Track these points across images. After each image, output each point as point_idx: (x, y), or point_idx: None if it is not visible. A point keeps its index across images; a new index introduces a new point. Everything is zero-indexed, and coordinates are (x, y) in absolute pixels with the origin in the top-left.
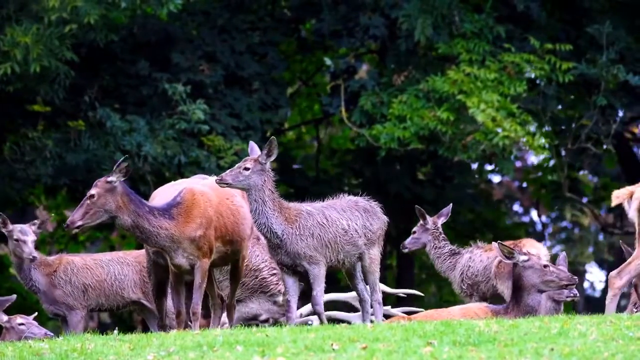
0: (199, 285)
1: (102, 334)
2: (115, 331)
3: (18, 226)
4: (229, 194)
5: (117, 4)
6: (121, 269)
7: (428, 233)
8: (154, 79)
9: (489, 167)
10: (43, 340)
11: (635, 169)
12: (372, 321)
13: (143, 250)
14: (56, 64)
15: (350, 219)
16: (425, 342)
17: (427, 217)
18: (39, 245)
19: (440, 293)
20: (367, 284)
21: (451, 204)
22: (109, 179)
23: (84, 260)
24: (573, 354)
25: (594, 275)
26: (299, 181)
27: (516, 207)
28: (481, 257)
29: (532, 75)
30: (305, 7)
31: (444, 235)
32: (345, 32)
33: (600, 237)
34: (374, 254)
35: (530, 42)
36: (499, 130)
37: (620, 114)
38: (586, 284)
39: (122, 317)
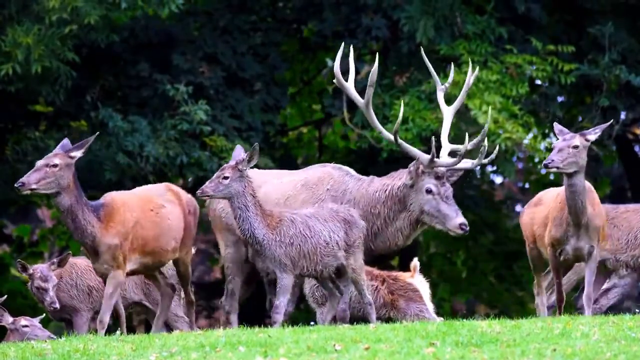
0: (109, 295)
1: (105, 335)
2: (118, 332)
3: (38, 270)
4: (155, 205)
5: (118, 4)
6: None
7: None
8: (155, 80)
9: (490, 169)
10: (46, 341)
11: (638, 170)
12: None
13: None
14: (57, 64)
15: (332, 230)
16: (428, 342)
17: None
18: (39, 241)
19: (434, 290)
20: (357, 292)
21: None
22: (73, 153)
23: (86, 262)
24: (575, 354)
25: None
26: None
27: (518, 208)
28: None
29: (533, 75)
30: (307, 7)
31: None
32: (346, 33)
33: None
34: (356, 264)
35: (532, 43)
36: (501, 131)
37: (622, 115)
38: None
39: None
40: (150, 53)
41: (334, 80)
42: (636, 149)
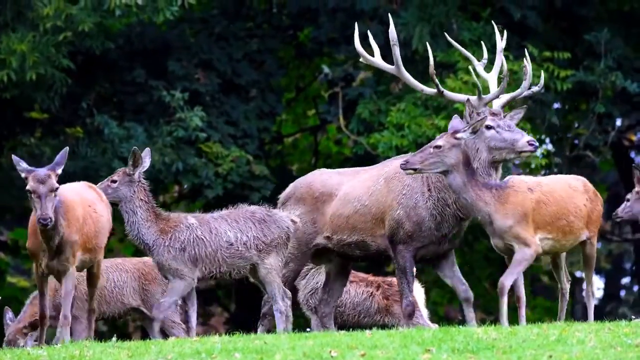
0: (69, 291)
1: (100, 342)
2: (114, 338)
3: (8, 332)
4: (92, 201)
5: (112, 12)
6: (120, 275)
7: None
8: (151, 87)
9: None
10: (42, 347)
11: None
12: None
13: (142, 258)
14: (52, 71)
15: (241, 230)
16: (424, 349)
17: None
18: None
19: (428, 295)
20: (268, 294)
21: None
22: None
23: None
24: None
25: None
26: None
27: None
28: (356, 289)
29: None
30: (303, 14)
31: None
32: (342, 40)
33: (598, 244)
34: (271, 263)
35: (528, 50)
36: None
37: (618, 122)
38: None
39: (116, 325)
40: (145, 59)
41: (360, 59)
42: (632, 155)
